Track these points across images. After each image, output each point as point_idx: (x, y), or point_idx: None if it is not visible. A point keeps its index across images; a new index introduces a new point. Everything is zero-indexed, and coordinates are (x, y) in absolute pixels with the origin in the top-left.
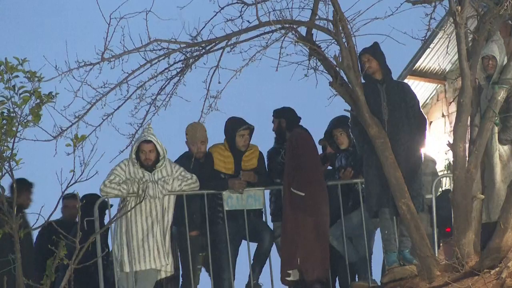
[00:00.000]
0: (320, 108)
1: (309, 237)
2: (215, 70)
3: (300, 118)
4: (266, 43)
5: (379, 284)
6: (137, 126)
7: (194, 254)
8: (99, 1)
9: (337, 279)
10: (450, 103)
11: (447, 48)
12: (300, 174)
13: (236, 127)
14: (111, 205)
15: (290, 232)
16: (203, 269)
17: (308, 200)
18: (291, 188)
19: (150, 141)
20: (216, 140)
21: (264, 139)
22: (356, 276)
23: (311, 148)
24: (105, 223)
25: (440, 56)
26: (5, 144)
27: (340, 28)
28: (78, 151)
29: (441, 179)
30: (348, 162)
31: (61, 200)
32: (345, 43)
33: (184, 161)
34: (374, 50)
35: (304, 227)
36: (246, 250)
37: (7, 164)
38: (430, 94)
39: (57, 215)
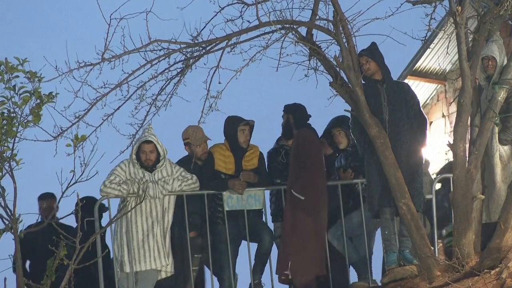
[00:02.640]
0: (320, 108)
1: (304, 239)
2: (215, 70)
3: (310, 116)
4: (266, 43)
5: (379, 284)
6: (138, 126)
7: (190, 255)
8: (99, 1)
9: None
10: (450, 103)
11: (447, 48)
12: (302, 176)
13: (236, 123)
14: (107, 208)
15: (287, 233)
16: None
17: (308, 203)
18: (291, 190)
19: (150, 142)
20: (216, 140)
21: (264, 140)
22: (357, 276)
23: (316, 149)
24: (103, 224)
25: (440, 56)
26: (5, 144)
27: (340, 28)
28: (78, 151)
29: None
30: (347, 162)
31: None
32: (345, 43)
33: (183, 165)
34: (372, 51)
35: (301, 229)
36: (246, 250)
37: (7, 164)
38: (430, 94)
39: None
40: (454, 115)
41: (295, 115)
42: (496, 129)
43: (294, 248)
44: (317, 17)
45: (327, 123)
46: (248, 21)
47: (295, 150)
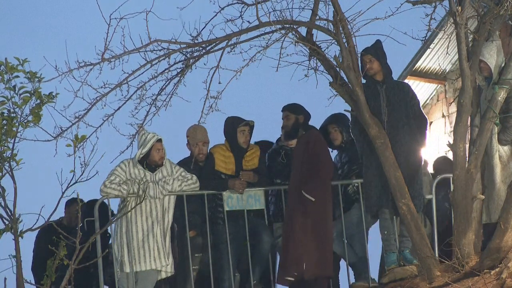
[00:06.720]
0: (320, 108)
1: (317, 240)
2: (215, 71)
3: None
4: (266, 43)
5: (379, 284)
6: (138, 126)
7: (190, 254)
8: (99, 1)
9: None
10: (450, 103)
11: (447, 49)
12: (315, 178)
13: (236, 123)
14: (112, 211)
15: (298, 235)
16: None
17: (319, 204)
18: (302, 191)
19: (161, 140)
20: (217, 140)
21: (264, 139)
22: (354, 276)
23: (327, 150)
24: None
25: (440, 56)
26: (6, 144)
27: (340, 28)
28: (79, 151)
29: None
30: (341, 158)
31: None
32: (345, 43)
33: (184, 166)
34: (376, 50)
35: (313, 230)
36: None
37: (8, 164)
38: (430, 95)
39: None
40: (454, 115)
41: (306, 115)
42: (496, 130)
43: (308, 249)
44: (317, 17)
45: None
46: (248, 21)
47: (305, 150)
